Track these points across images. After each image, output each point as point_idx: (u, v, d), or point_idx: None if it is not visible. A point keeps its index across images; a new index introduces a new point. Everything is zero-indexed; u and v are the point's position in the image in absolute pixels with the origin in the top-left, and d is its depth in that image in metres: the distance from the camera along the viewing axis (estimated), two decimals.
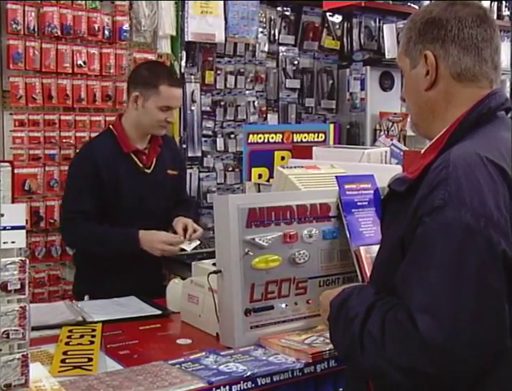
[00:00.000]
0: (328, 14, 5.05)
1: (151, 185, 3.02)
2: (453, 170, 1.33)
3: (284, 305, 2.12)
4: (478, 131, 1.45)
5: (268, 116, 4.88)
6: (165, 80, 2.92)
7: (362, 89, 5.01)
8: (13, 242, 1.43)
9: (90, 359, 1.89)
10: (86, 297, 2.72)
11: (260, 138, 3.30)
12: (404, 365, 1.31)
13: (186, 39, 4.26)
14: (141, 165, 3.01)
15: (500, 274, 1.28)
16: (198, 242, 2.97)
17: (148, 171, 3.03)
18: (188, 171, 4.43)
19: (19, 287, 1.42)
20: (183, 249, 2.93)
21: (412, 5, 5.35)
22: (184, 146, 4.35)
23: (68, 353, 1.96)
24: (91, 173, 2.89)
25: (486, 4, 5.83)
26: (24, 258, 1.44)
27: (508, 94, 6.43)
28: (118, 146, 2.98)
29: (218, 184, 4.62)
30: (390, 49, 4.83)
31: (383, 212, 1.59)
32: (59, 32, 3.72)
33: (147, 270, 2.96)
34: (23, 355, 1.44)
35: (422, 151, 1.54)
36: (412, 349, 1.29)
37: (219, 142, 4.63)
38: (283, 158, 3.26)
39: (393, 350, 1.33)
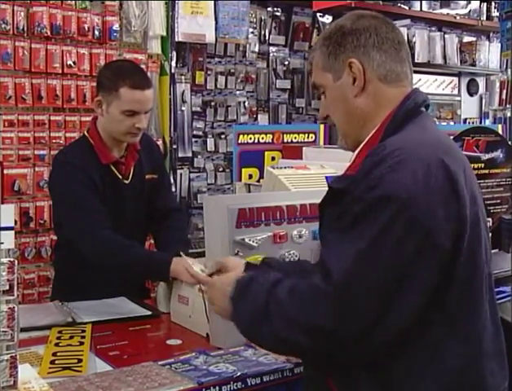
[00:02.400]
0: (318, 14, 5.07)
1: (130, 196, 2.70)
2: (388, 154, 1.41)
3: None
4: (407, 125, 1.54)
5: (259, 116, 4.89)
6: (127, 81, 2.56)
7: None
8: (2, 243, 1.42)
9: (80, 360, 1.89)
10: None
11: (250, 138, 3.30)
12: (302, 321, 1.39)
13: (176, 39, 4.26)
14: (120, 177, 2.69)
15: (419, 249, 1.36)
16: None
17: (127, 182, 2.71)
18: (179, 171, 4.44)
19: (7, 288, 1.42)
20: None
21: (402, 6, 5.37)
22: (175, 146, 4.35)
23: (58, 354, 1.95)
24: (90, 184, 2.60)
25: (476, 5, 5.86)
26: (12, 259, 1.43)
27: (497, 95, 6.43)
28: (96, 157, 2.64)
29: (208, 184, 4.62)
30: None
31: (321, 216, 1.62)
32: (49, 33, 3.72)
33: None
34: (11, 356, 1.44)
35: (357, 150, 1.61)
36: (312, 304, 1.39)
37: (210, 142, 4.64)
38: (273, 158, 3.26)
39: (294, 310, 1.41)
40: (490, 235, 1.60)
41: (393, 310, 1.37)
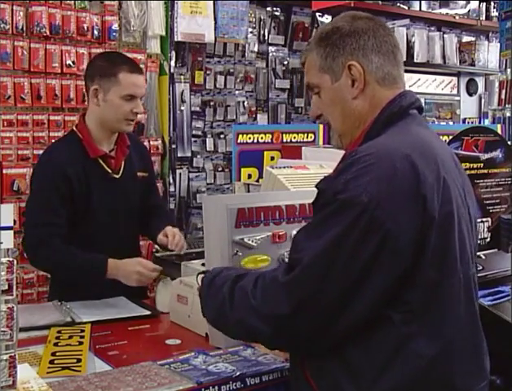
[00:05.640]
0: (317, 14, 5.07)
1: (121, 192, 2.74)
2: (357, 159, 1.46)
3: None
4: (389, 129, 1.56)
5: (258, 116, 4.89)
6: (124, 66, 2.63)
7: None
8: (1, 242, 1.42)
9: (79, 360, 1.89)
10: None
11: (250, 138, 3.30)
12: (262, 310, 1.48)
13: (175, 39, 4.26)
14: (109, 171, 2.71)
15: (378, 250, 1.40)
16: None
17: (117, 176, 2.73)
18: (178, 171, 4.44)
19: (6, 288, 1.42)
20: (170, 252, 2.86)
21: (401, 5, 5.37)
22: (174, 146, 4.35)
23: (57, 354, 1.95)
24: (63, 185, 2.61)
25: (475, 5, 5.86)
26: (11, 259, 1.43)
27: (497, 95, 6.43)
28: (84, 151, 2.66)
29: (207, 184, 4.63)
30: None
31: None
32: (48, 32, 3.71)
33: None
34: (10, 356, 1.43)
35: (345, 152, 1.64)
36: (272, 294, 1.48)
37: (209, 142, 4.64)
38: (272, 158, 3.26)
39: (255, 299, 1.50)
40: (489, 234, 1.60)
41: (348, 304, 1.43)
